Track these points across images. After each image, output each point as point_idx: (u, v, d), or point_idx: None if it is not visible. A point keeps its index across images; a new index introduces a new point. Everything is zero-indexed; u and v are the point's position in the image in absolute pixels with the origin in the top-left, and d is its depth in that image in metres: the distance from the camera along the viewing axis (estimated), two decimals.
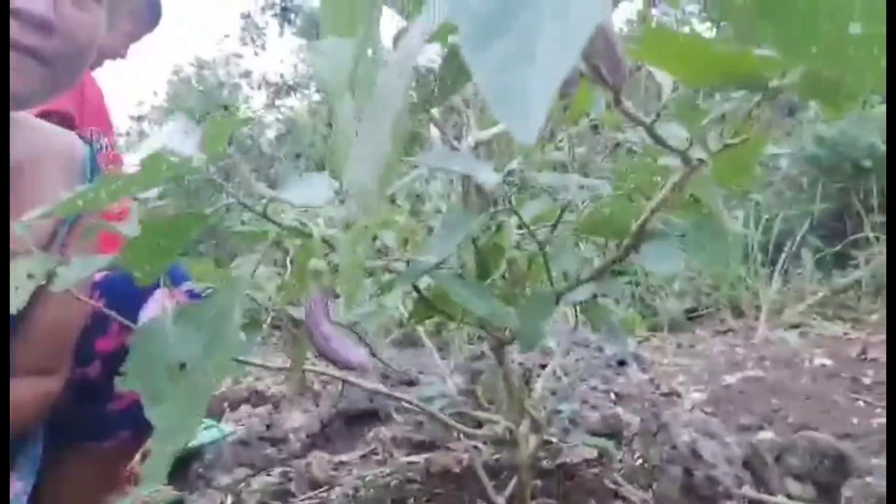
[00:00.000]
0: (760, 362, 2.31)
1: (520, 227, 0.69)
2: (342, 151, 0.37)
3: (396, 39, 0.45)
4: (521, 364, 1.30)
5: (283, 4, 10.31)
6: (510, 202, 0.63)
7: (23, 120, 0.78)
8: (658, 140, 0.46)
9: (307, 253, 0.54)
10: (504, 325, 0.63)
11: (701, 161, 0.51)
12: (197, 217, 0.54)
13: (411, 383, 1.66)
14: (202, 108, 8.73)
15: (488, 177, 0.62)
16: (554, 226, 0.72)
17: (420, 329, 1.74)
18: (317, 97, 9.07)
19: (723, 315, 3.16)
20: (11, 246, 0.62)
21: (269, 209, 0.53)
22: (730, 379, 2.13)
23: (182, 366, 0.51)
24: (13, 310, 0.55)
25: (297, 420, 1.58)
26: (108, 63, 1.85)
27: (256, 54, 10.40)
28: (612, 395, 1.82)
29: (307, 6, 10.08)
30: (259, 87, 10.23)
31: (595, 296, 0.92)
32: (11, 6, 0.67)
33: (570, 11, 0.17)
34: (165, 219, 0.52)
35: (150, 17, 1.88)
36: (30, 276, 0.59)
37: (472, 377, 1.21)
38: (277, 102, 9.75)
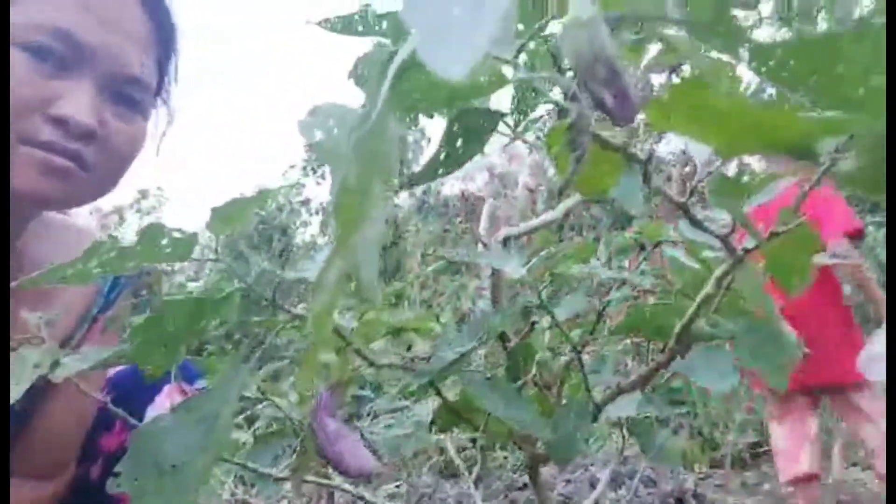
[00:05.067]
0: None
1: (551, 326, 0.64)
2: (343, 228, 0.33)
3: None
4: (562, 496, 1.19)
5: None
6: (540, 296, 0.59)
7: (55, 220, 0.79)
8: (695, 223, 0.42)
9: (316, 345, 0.50)
10: (536, 434, 0.57)
11: (746, 251, 0.47)
12: (208, 301, 0.51)
13: None
14: (260, 231, 9.12)
15: (515, 269, 0.58)
16: (592, 330, 0.67)
17: (458, 459, 1.64)
18: None
19: None
20: (24, 336, 0.61)
21: (279, 295, 0.50)
22: None
23: (173, 466, 0.47)
24: (10, 400, 0.52)
25: None
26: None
27: (318, 184, 10.90)
28: None
29: None
30: (317, 213, 10.67)
31: (645, 416, 0.84)
32: (59, 113, 0.69)
33: None
34: (175, 302, 0.50)
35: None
36: (36, 365, 0.56)
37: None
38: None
